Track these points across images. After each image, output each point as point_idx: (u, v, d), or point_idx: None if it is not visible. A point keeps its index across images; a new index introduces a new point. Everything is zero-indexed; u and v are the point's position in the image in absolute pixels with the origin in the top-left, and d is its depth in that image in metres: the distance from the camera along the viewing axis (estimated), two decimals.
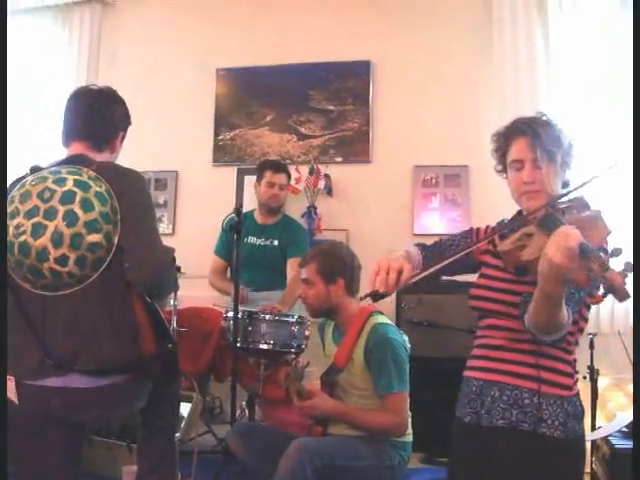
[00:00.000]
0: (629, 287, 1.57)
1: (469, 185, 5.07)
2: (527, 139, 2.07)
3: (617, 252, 1.61)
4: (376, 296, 1.90)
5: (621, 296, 1.58)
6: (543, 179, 2.04)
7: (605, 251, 1.78)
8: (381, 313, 3.15)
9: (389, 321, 3.18)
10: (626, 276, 1.56)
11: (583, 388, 3.85)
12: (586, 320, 2.10)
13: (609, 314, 4.50)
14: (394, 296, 4.38)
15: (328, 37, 5.37)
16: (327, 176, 5.19)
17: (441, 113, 5.11)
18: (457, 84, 5.10)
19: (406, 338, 3.12)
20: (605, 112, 4.59)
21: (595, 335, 3.82)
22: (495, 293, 2.09)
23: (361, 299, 2.01)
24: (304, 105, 5.40)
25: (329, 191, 5.21)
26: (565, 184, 2.11)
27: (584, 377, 3.75)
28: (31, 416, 2.30)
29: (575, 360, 2.11)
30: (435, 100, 5.14)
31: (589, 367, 3.73)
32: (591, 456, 3.66)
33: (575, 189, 1.98)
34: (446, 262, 2.06)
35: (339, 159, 5.32)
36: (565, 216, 1.88)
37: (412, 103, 5.21)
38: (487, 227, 2.31)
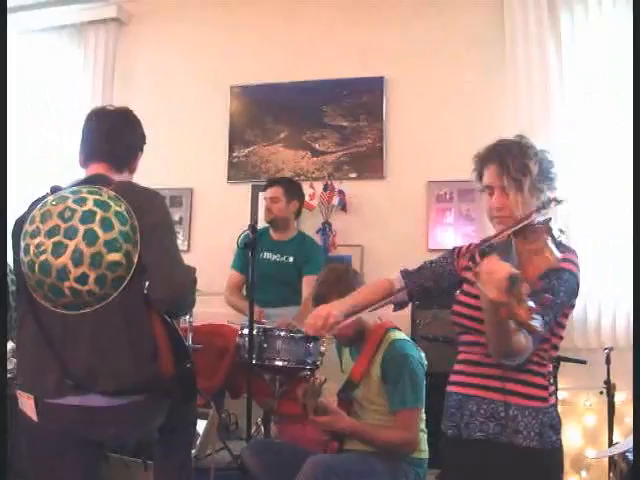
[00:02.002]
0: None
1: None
2: (496, 167, 2.17)
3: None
4: (308, 338, 2.08)
5: (529, 330, 1.66)
6: (511, 206, 2.13)
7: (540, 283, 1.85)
8: (398, 329, 3.15)
9: (406, 337, 3.17)
10: (531, 312, 1.60)
11: (600, 403, 3.86)
12: (560, 338, 2.15)
13: (625, 328, 4.46)
14: (409, 312, 4.37)
15: (342, 53, 5.39)
16: (341, 192, 5.19)
17: (455, 128, 5.09)
18: (471, 100, 5.09)
19: (423, 354, 3.12)
20: (618, 124, 4.57)
21: (612, 350, 3.80)
22: (473, 311, 2.14)
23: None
24: (318, 121, 5.41)
25: (343, 207, 5.20)
26: (546, 204, 2.10)
27: (600, 392, 3.74)
28: (50, 434, 2.31)
29: (550, 373, 2.16)
30: (449, 116, 5.13)
31: (606, 382, 3.71)
32: (608, 472, 3.64)
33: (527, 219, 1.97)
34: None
35: (353, 175, 5.32)
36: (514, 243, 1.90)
37: (426, 119, 5.21)
38: (470, 245, 2.35)
